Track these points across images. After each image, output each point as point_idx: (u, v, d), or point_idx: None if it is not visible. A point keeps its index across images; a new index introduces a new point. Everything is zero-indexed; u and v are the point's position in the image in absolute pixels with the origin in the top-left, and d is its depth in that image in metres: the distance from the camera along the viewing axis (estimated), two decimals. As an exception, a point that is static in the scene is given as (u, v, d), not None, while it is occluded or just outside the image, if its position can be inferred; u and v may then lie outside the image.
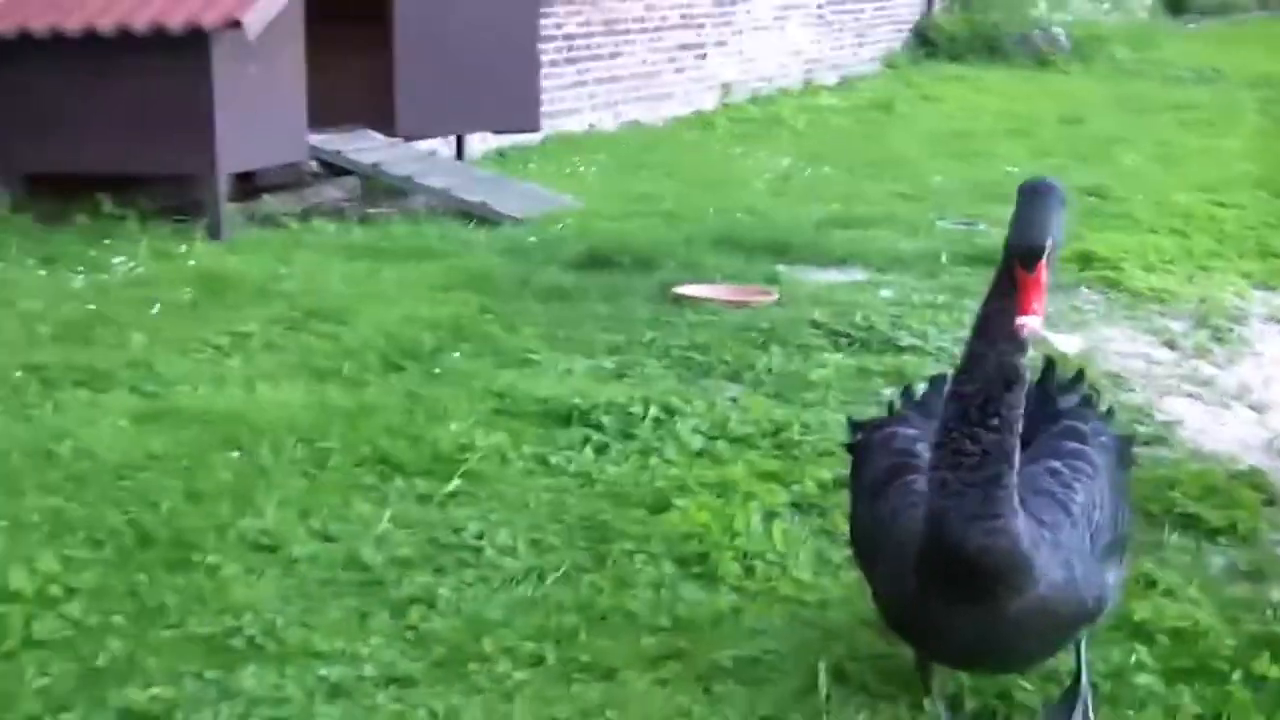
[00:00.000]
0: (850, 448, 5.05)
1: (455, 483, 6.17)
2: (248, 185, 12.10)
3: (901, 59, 24.44)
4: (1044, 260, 3.94)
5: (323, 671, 4.64)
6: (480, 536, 5.65)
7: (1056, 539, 4.28)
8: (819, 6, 22.37)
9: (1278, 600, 5.47)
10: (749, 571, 5.46)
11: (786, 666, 4.79)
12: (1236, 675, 4.87)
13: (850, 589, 5.28)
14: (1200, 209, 12.34)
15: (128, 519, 5.73)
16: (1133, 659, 4.83)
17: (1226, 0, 43.58)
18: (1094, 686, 4.58)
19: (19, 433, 6.64)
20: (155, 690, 4.47)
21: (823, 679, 4.65)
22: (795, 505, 6.04)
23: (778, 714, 4.53)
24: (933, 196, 12.88)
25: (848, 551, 5.62)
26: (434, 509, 5.94)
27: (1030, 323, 3.93)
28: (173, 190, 11.59)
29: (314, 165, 13.09)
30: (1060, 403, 4.87)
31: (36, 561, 5.27)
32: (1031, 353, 4.08)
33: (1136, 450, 5.45)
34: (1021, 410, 4.13)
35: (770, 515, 5.88)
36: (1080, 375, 5.16)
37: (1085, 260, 10.17)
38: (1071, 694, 4.61)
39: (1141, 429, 7.04)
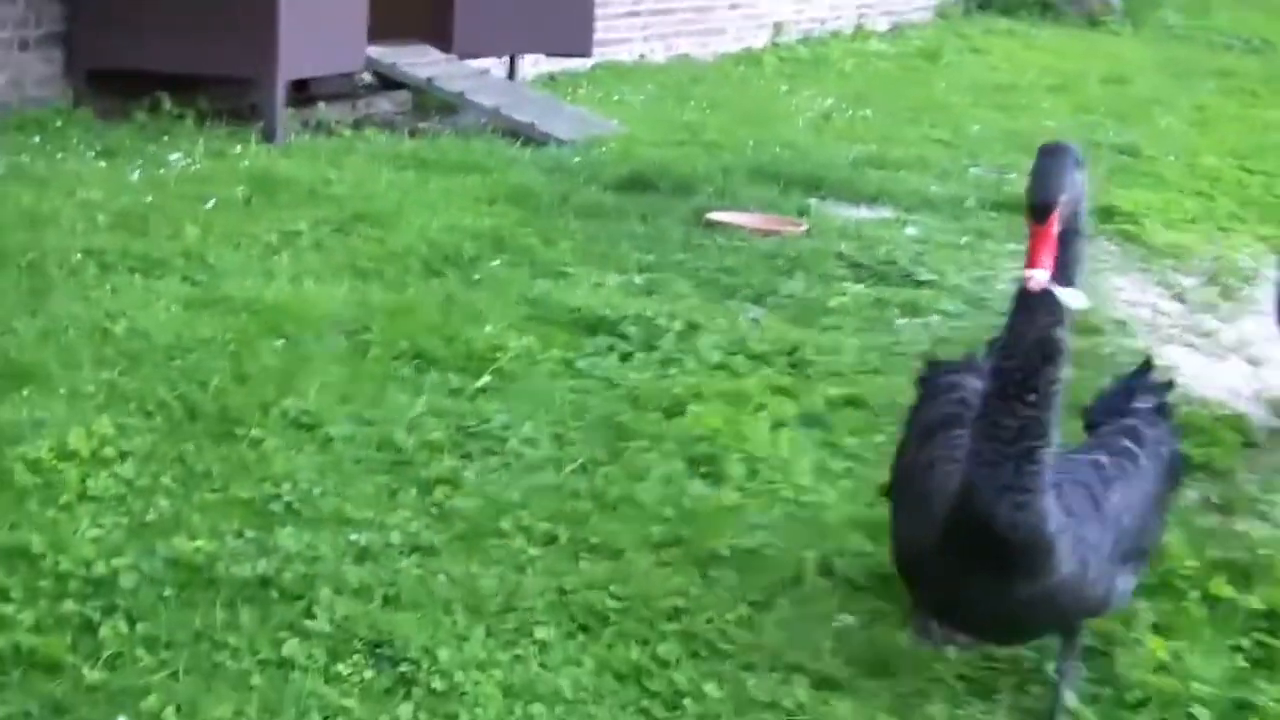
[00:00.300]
0: (919, 383, 5.21)
1: (486, 379, 6.56)
2: (303, 93, 12.46)
3: (954, 9, 24.62)
4: (1054, 214, 4.04)
5: (353, 536, 5.06)
6: (506, 428, 6.05)
7: (1080, 532, 4.35)
8: (877, -48, 22.63)
9: (1242, 531, 5.85)
10: (753, 473, 5.87)
11: (778, 558, 5.20)
12: (1194, 594, 5.26)
13: (844, 495, 5.69)
14: (1229, 173, 12.62)
15: (177, 394, 6.10)
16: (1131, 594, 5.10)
17: (1286, -32, 43.38)
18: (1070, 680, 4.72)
19: (77, 311, 6.98)
20: (199, 543, 4.88)
21: (810, 569, 5.05)
22: (803, 418, 6.43)
23: (766, 598, 4.95)
24: (968, 144, 13.15)
25: (847, 462, 6.05)
26: (464, 401, 6.33)
27: (1037, 275, 4.04)
28: (231, 93, 11.93)
29: (367, 77, 13.43)
30: (1136, 402, 5.00)
31: (92, 426, 5.65)
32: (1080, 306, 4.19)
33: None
34: (1061, 384, 4.20)
35: (778, 425, 6.27)
36: (1170, 384, 5.35)
37: (1107, 214, 10.46)
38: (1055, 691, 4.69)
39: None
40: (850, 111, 14.62)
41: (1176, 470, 5.01)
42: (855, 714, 4.41)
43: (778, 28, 19.95)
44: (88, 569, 4.67)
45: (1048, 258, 4.04)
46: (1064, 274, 4.14)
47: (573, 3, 14.33)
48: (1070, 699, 4.59)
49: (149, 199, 9.02)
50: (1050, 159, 4.17)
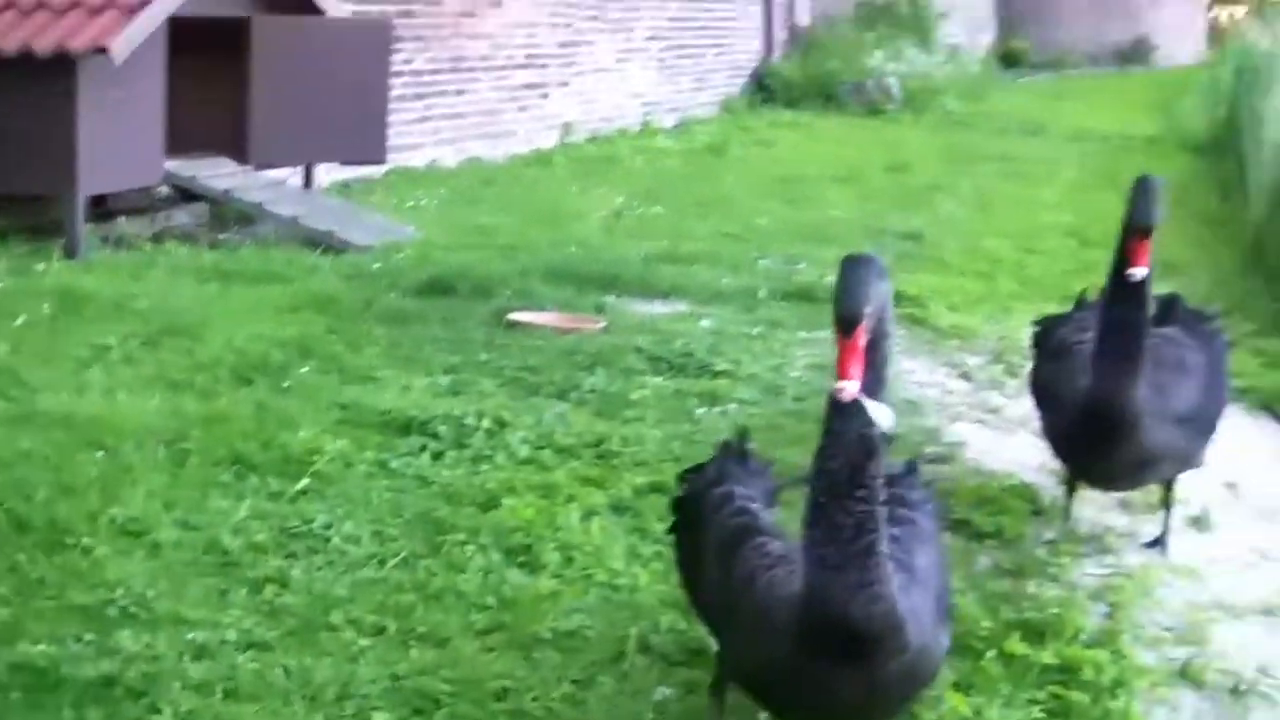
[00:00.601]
0: (681, 500, 5.28)
1: (304, 481, 6.78)
2: (100, 207, 12.58)
3: (738, 104, 25.23)
4: (860, 327, 4.11)
5: (189, 635, 5.28)
6: (328, 527, 6.29)
7: (911, 602, 4.46)
8: (660, 50, 23.12)
9: (1033, 593, 6.24)
10: (568, 560, 6.15)
11: (598, 639, 5.50)
12: (991, 653, 5.64)
13: (655, 576, 6.00)
14: (1009, 255, 13.13)
15: (4, 508, 6.26)
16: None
17: (1058, 56, 44.86)
18: None
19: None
20: (41, 647, 5.07)
21: (630, 648, 5.35)
22: (612, 506, 6.72)
23: (588, 677, 5.24)
24: (757, 237, 13.52)
25: (656, 545, 6.34)
26: (285, 504, 6.56)
27: (847, 387, 4.11)
28: (28, 210, 12.03)
29: (164, 190, 13.57)
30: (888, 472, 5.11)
31: (-79, 541, 5.82)
32: (887, 426, 4.28)
33: (924, 469, 6.21)
34: (881, 479, 4.33)
35: (589, 514, 6.56)
36: (913, 464, 5.43)
37: (894, 299, 10.83)
38: None
39: (929, 448, 7.79)
40: (640, 209, 15.00)
41: (942, 518, 5.28)
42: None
43: (567, 128, 20.36)
44: (-65, 683, 4.85)
45: (856, 368, 4.12)
46: (874, 375, 4.25)
47: (365, 111, 14.58)
48: None
49: (-44, 319, 9.12)
50: (854, 270, 4.25)
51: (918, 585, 4.58)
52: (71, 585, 5.62)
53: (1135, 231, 6.35)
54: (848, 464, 4.25)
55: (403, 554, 6.11)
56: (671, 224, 14.17)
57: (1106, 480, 7.04)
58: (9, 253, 11.04)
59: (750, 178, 17.73)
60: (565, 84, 20.54)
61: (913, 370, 9.41)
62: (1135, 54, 47.37)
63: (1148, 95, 32.27)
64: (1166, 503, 7.16)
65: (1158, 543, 7.08)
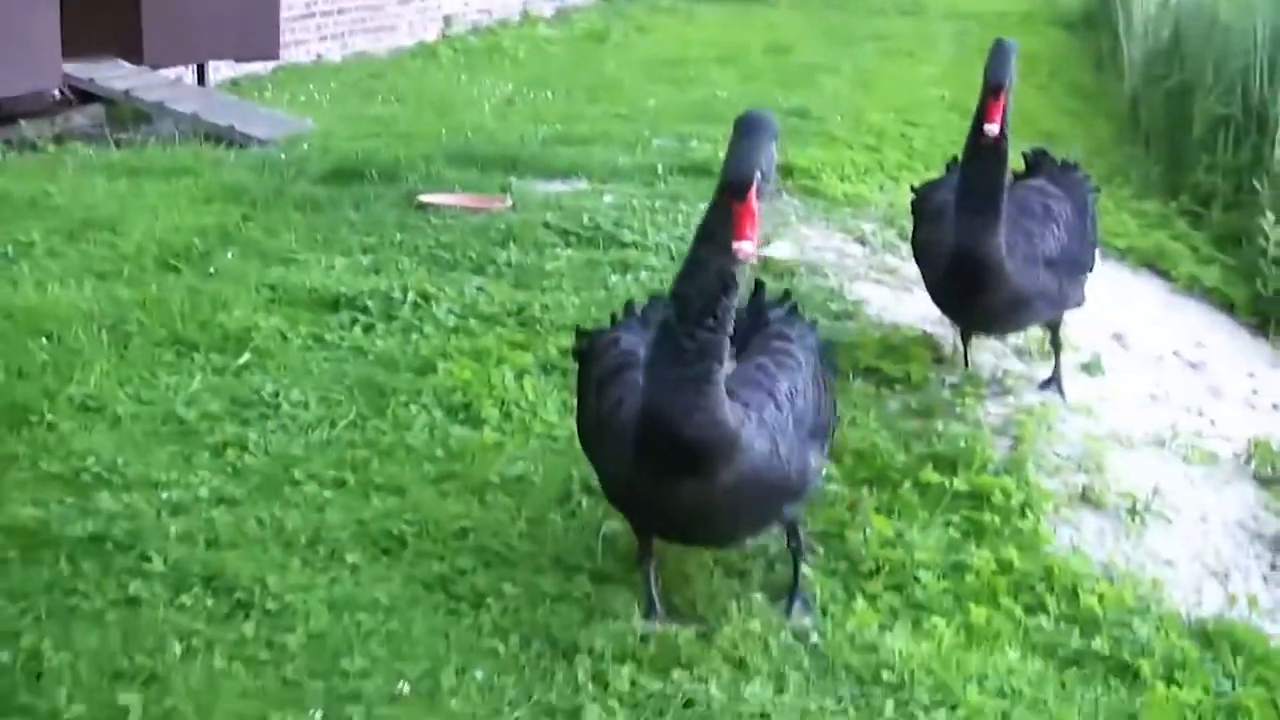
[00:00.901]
0: (578, 353, 5.55)
1: (246, 356, 7.08)
2: (-2, 112, 12.75)
3: (615, -8, 25.43)
4: (752, 190, 4.39)
5: (164, 495, 5.64)
6: (276, 395, 6.61)
7: (761, 418, 4.81)
8: (534, -60, 23.30)
9: (941, 430, 6.69)
10: (506, 415, 6.56)
11: (543, 483, 5.92)
12: (907, 483, 6.12)
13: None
14: (893, 128, 13.48)
15: (-39, 393, 6.55)
16: (824, 471, 5.83)
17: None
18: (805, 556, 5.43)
19: None
20: (28, 510, 5.40)
21: (575, 489, 5.75)
22: (541, 366, 7.10)
23: (539, 516, 5.68)
24: (647, 118, 13.73)
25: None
26: (231, 377, 6.87)
27: (744, 248, 4.39)
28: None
29: (56, 94, 13.70)
30: (770, 315, 5.48)
31: (-113, 423, 6.12)
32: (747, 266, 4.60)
33: (829, 324, 6.66)
34: (733, 313, 4.61)
35: (521, 374, 6.93)
36: (787, 295, 5.94)
37: (787, 172, 11.19)
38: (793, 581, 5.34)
39: (833, 306, 8.19)
40: (531, 95, 15.20)
41: (826, 354, 5.61)
42: (626, 595, 5.18)
43: (448, 20, 20.49)
44: (-71, 541, 5.18)
45: (752, 230, 4.40)
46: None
47: (257, 8, 14.76)
48: (806, 568, 5.33)
49: (-124, 221, 9.30)
50: (745, 135, 4.49)
51: (774, 405, 4.92)
52: (43, 457, 5.92)
53: (988, 90, 6.77)
54: (702, 294, 4.53)
55: (350, 416, 6.47)
56: (563, 108, 14.39)
57: (987, 324, 7.50)
58: (-87, 158, 11.18)
59: (634, 63, 17.93)
60: (445, -25, 20.69)
61: (809, 236, 9.77)
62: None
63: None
64: (1055, 344, 7.63)
65: (1050, 383, 7.54)
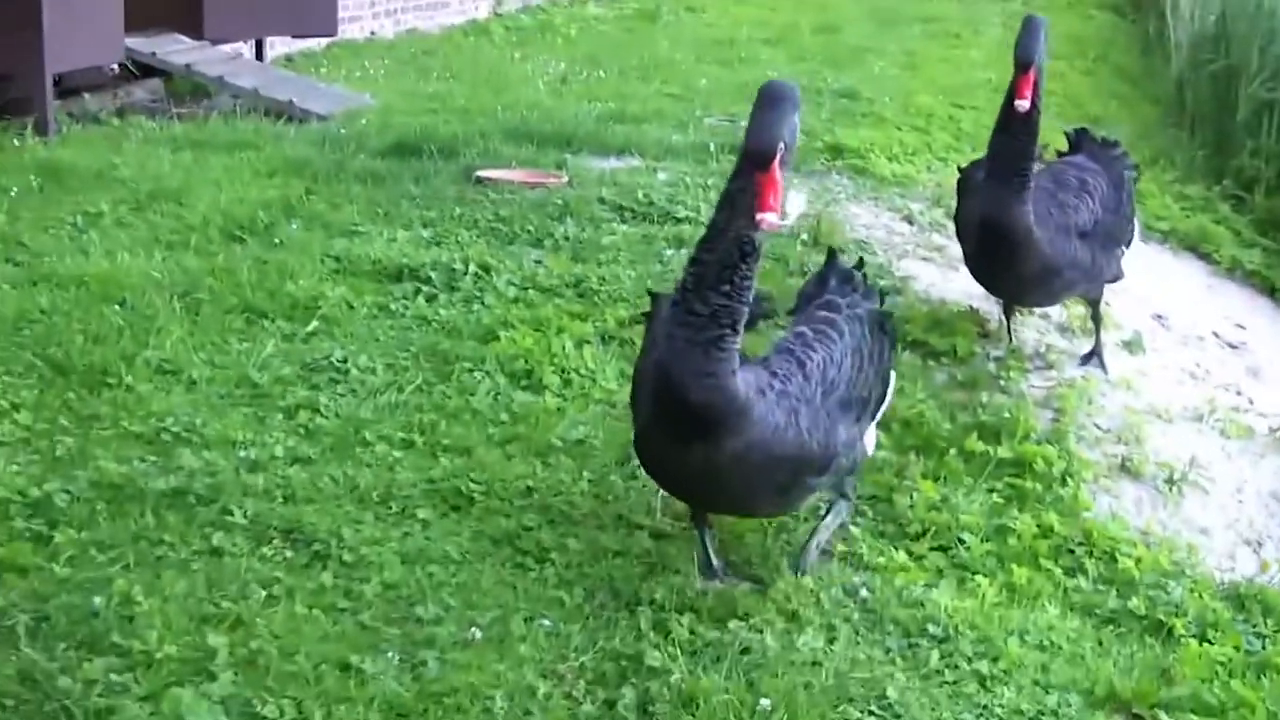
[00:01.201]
0: (646, 316, 5.73)
1: (314, 324, 7.32)
2: (58, 86, 12.97)
3: (665, -29, 25.58)
4: (775, 161, 4.42)
5: (241, 454, 5.91)
6: (344, 361, 6.87)
7: (785, 388, 4.89)
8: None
9: (985, 401, 6.92)
10: (567, 382, 6.82)
11: (603, 446, 6.18)
12: (953, 451, 6.36)
13: (650, 394, 6.62)
14: (941, 110, 13.65)
15: (40, 357, 6.78)
16: (863, 444, 6.02)
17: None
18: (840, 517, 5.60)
19: (-86, 294, 7.62)
20: (112, 466, 5.66)
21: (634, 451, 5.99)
22: (600, 336, 7.35)
23: (600, 477, 5.95)
24: (699, 97, 13.93)
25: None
26: (300, 344, 7.12)
27: (768, 218, 4.44)
28: (-7, 89, 12.43)
29: (115, 68, 13.96)
30: (832, 284, 5.62)
31: (-23, 385, 6.40)
32: (782, 228, 4.79)
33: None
34: (754, 281, 4.64)
35: (580, 342, 7.18)
36: (860, 264, 6.04)
37: (836, 151, 11.38)
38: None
39: (881, 282, 8.40)
40: (584, 73, 15.43)
41: (881, 326, 5.59)
42: (685, 552, 5.46)
43: (499, -1, 20.76)
44: (22, 495, 5.48)
45: (775, 199, 4.43)
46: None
47: (315, -16, 15.05)
48: (826, 531, 5.49)
49: (-52, 192, 9.56)
50: (767, 106, 4.54)
51: (802, 375, 5.02)
52: (124, 417, 6.19)
53: (1018, 67, 6.99)
54: (720, 260, 4.59)
55: (417, 382, 6.72)
56: (616, 87, 14.61)
57: (1020, 293, 7.71)
58: (-19, 130, 11.43)
59: (684, 42, 18.12)
60: (496, -47, 20.91)
61: (858, 215, 9.97)
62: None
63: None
64: (1095, 319, 7.83)
65: (1091, 356, 7.75)
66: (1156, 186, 12.00)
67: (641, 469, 5.36)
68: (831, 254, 5.94)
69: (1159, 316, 8.89)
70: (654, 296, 5.77)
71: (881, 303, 5.89)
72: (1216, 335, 9.03)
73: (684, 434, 4.76)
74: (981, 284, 7.70)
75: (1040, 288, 7.48)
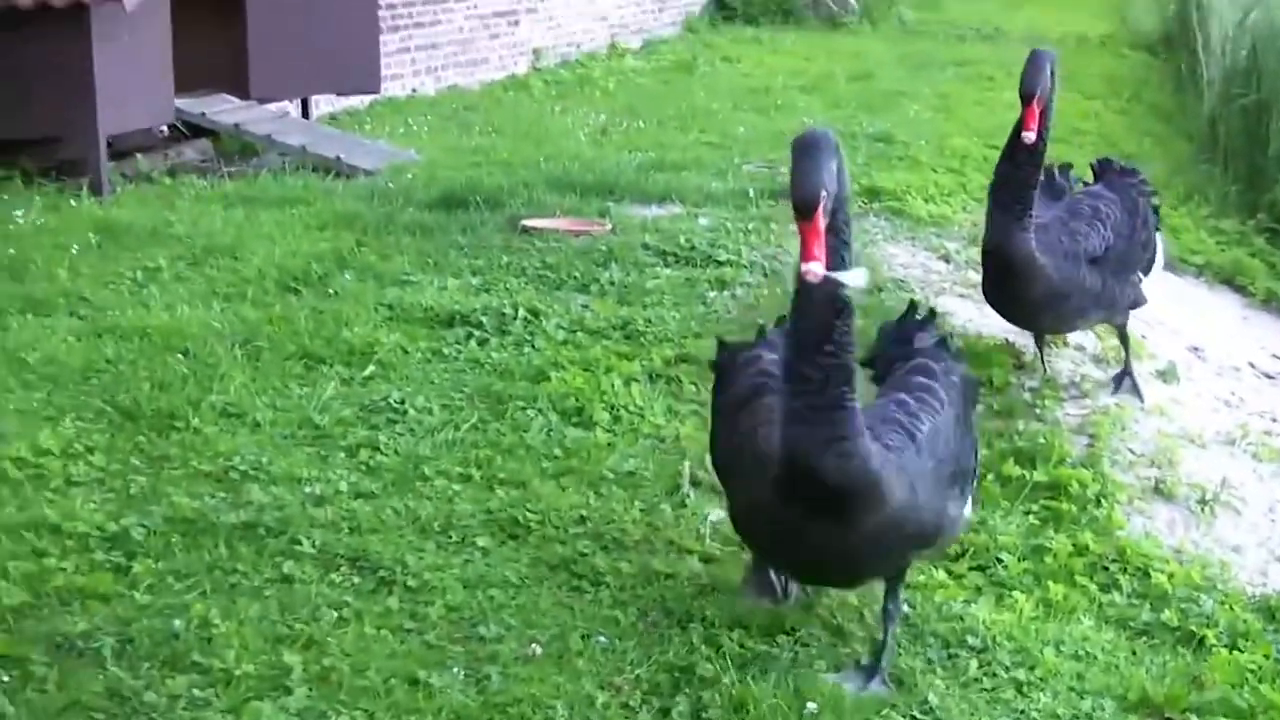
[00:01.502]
0: (716, 365, 5.65)
1: (370, 368, 7.60)
2: (111, 148, 13.26)
3: (700, 23, 25.77)
4: (819, 210, 4.33)
5: (306, 489, 6.19)
6: (401, 403, 7.14)
7: (901, 462, 4.72)
8: (622, -28, 23.83)
9: (1021, 428, 7.16)
10: (616, 418, 7.10)
11: (654, 477, 6.45)
12: (990, 476, 6.60)
13: (695, 428, 6.87)
14: (975, 151, 13.84)
15: (110, 404, 7.06)
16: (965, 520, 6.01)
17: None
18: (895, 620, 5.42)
19: (-15, 346, 7.91)
20: (185, 501, 5.94)
21: (684, 482, 6.25)
22: (647, 375, 7.61)
23: (650, 506, 6.21)
24: (737, 145, 14.15)
25: (691, 404, 7.21)
26: (358, 387, 7.39)
27: (812, 269, 4.29)
28: (44, 153, 12.66)
29: (165, 129, 14.28)
30: (916, 343, 5.51)
31: (52, 429, 6.67)
32: (862, 284, 4.58)
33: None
34: (854, 336, 4.56)
35: (629, 380, 7.45)
36: (933, 314, 5.93)
37: (873, 194, 11.62)
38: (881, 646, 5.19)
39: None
40: (624, 124, 15.67)
41: (970, 392, 5.47)
42: (732, 576, 5.70)
43: (537, 54, 21.00)
44: (101, 530, 5.78)
45: (819, 249, 4.31)
46: (840, 240, 4.55)
47: (358, 43, 15.36)
48: (894, 634, 5.30)
49: (11, 251, 9.83)
50: (805, 155, 4.45)
51: (915, 448, 4.87)
52: (193, 457, 6.48)
53: (1022, 100, 7.39)
54: (816, 323, 4.52)
55: (472, 420, 7.00)
56: (654, 137, 14.85)
57: (1031, 319, 7.96)
58: (40, 192, 11.67)
59: (721, 92, 18.35)
60: (534, 10, 21.17)
61: (896, 254, 10.21)
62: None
63: (1102, -2, 33.06)
64: (1123, 341, 8.04)
65: (1122, 379, 7.95)
66: (1191, 221, 12.22)
67: (746, 539, 5.33)
68: (912, 306, 5.90)
69: (1195, 348, 9.10)
70: (724, 347, 5.73)
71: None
72: (1253, 366, 9.23)
73: (815, 513, 4.66)
74: (995, 309, 7.92)
75: (1048, 312, 7.71)
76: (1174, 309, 9.48)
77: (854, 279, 4.55)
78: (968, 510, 5.41)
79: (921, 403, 5.06)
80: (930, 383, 5.18)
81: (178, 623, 5.10)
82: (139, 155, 13.31)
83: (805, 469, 4.52)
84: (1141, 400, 7.86)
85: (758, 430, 4.96)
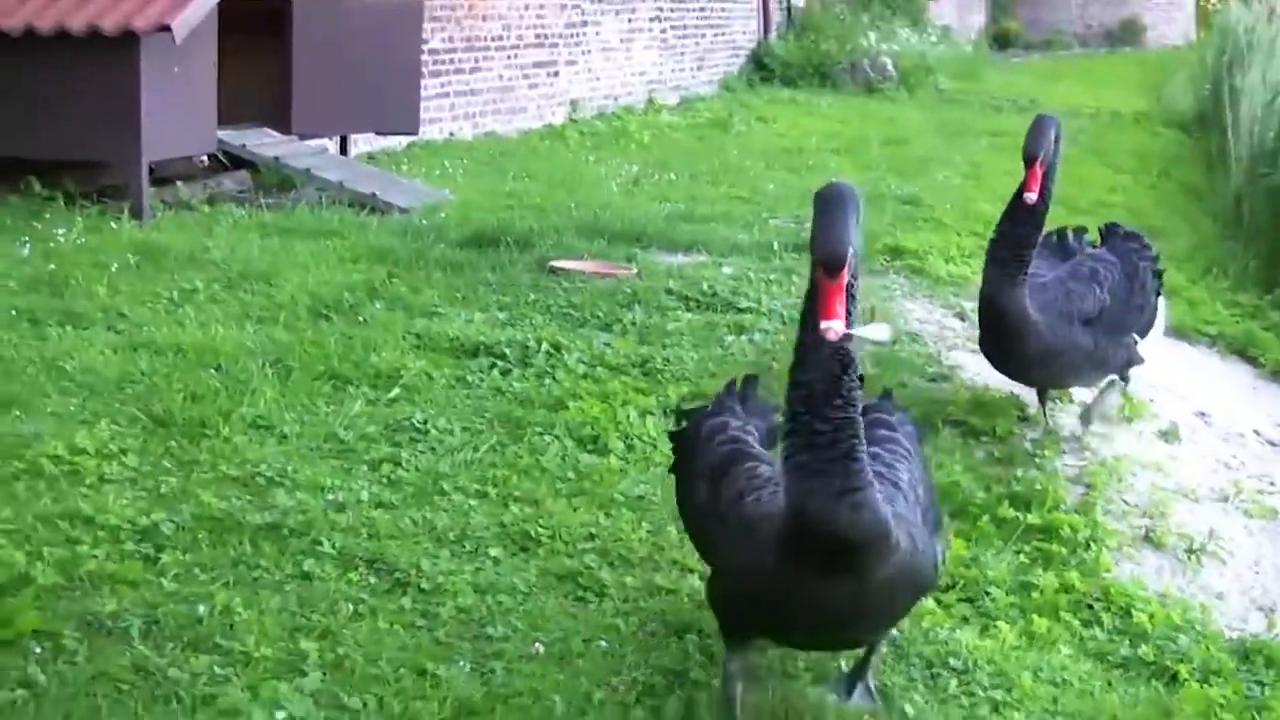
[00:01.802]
0: (676, 435, 5.64)
1: (396, 391, 7.89)
2: (152, 174, 13.57)
3: (737, 82, 26.17)
4: (846, 267, 4.22)
5: (329, 497, 6.48)
6: (424, 423, 7.43)
7: (898, 512, 4.62)
8: (662, 31, 24.15)
9: (1019, 475, 7.41)
10: (630, 447, 7.37)
11: (663, 502, 6.67)
12: (985, 517, 6.87)
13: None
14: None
15: (143, 411, 7.35)
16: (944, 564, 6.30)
17: (1050, 37, 45.88)
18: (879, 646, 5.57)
19: (30, 354, 8.18)
20: (213, 501, 6.23)
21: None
22: (663, 409, 7.86)
23: (658, 527, 6.47)
24: (766, 200, 14.53)
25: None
26: (383, 407, 7.68)
27: (834, 326, 4.19)
28: (88, 176, 13.02)
29: (205, 159, 14.61)
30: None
31: (88, 431, 6.97)
32: (885, 339, 4.84)
33: (925, 385, 7.39)
34: (861, 391, 4.48)
35: (644, 413, 7.73)
36: (887, 393, 5.81)
37: (895, 253, 11.90)
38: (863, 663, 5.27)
39: (929, 369, 8.91)
40: (656, 176, 16.00)
41: (921, 438, 5.48)
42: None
43: (574, 104, 21.37)
44: (132, 524, 6.06)
45: (840, 307, 4.21)
46: (849, 295, 4.35)
47: (399, 86, 15.72)
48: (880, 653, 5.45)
49: (51, 267, 10.13)
50: (833, 212, 4.34)
51: (902, 497, 4.81)
52: (222, 463, 6.78)
53: (1025, 162, 7.64)
54: (823, 375, 4.39)
55: (491, 442, 7.29)
56: (685, 189, 15.18)
57: (1025, 374, 8.22)
58: (82, 213, 11.98)
59: (754, 150, 18.69)
60: (573, 62, 21.53)
61: (913, 310, 10.48)
62: (1126, 35, 48.32)
63: (1138, 75, 33.31)
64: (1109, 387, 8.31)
65: (1088, 412, 8.25)
66: (1209, 294, 12.45)
67: (734, 612, 5.01)
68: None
69: (1201, 413, 9.32)
70: (684, 415, 5.83)
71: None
72: (1257, 433, 9.43)
73: (827, 565, 4.51)
74: (990, 363, 8.17)
75: (1040, 368, 7.97)
76: (1184, 375, 9.73)
77: (877, 333, 4.66)
78: (943, 549, 5.60)
79: (893, 454, 5.05)
80: (892, 434, 5.19)
81: (202, 608, 5.39)
82: (179, 183, 13.63)
83: (818, 522, 4.40)
84: (1086, 426, 8.13)
85: (743, 497, 4.90)
